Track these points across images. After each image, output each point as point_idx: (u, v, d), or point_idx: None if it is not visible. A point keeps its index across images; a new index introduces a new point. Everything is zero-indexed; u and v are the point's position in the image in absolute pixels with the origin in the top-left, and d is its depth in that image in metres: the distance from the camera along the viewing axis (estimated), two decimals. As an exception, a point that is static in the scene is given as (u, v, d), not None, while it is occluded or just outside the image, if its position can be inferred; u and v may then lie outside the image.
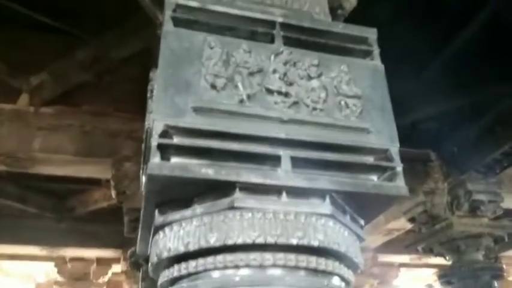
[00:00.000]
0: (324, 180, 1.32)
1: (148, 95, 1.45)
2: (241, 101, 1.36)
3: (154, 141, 1.23)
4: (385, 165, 1.43)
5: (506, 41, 5.00)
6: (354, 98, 1.49)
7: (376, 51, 1.63)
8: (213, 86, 1.36)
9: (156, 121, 1.26)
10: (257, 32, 1.52)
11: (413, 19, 5.53)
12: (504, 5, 4.92)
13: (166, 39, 1.40)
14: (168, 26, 1.43)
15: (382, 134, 1.46)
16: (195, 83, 1.35)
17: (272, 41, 1.52)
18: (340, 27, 1.64)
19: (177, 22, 1.45)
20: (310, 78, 1.48)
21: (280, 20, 1.55)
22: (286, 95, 1.42)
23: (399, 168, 1.41)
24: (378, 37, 1.63)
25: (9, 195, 7.62)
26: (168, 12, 1.45)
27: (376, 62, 1.61)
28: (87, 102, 5.54)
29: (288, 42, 1.54)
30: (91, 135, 5.44)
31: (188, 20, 1.47)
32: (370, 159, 1.45)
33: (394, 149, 1.45)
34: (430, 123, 6.53)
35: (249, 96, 1.38)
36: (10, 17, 4.91)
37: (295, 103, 1.42)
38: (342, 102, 1.47)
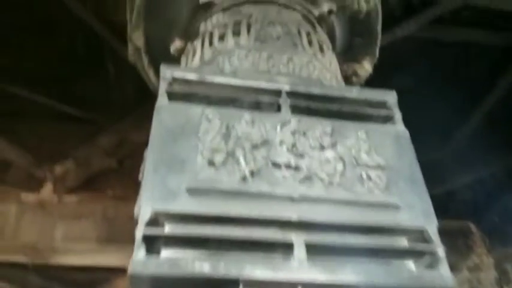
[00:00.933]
0: (348, 272, 1.07)
1: (140, 177, 1.28)
2: (244, 178, 1.18)
3: (140, 231, 1.03)
4: (422, 248, 1.18)
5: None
6: (377, 169, 1.28)
7: (398, 115, 1.45)
8: (211, 163, 1.18)
9: (143, 207, 1.08)
10: (262, 102, 1.37)
11: (435, 86, 5.41)
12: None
13: (159, 114, 1.26)
14: (162, 101, 1.30)
15: (415, 210, 1.23)
16: (191, 161, 1.18)
17: (278, 110, 1.37)
18: (354, 92, 1.48)
19: (173, 96, 1.32)
20: (323, 148, 1.29)
21: (286, 88, 1.41)
22: (296, 168, 1.23)
23: (440, 251, 1.16)
24: (400, 106, 1.46)
25: (32, 286, 7.40)
26: (163, 87, 1.33)
27: (399, 127, 1.42)
28: (110, 187, 5.48)
29: (297, 110, 1.38)
30: (113, 220, 5.31)
31: (185, 94, 1.34)
32: (402, 242, 1.20)
33: (432, 227, 1.20)
34: (466, 193, 6.15)
35: (252, 173, 1.19)
36: (34, 108, 5.04)
37: (307, 178, 1.22)
38: (363, 174, 1.27)
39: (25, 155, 5.34)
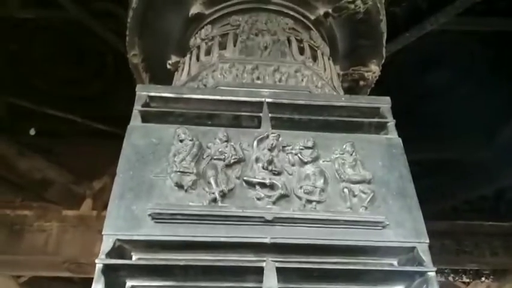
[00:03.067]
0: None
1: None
2: (214, 200, 1.11)
3: (100, 263, 0.99)
4: (413, 269, 1.06)
5: None
6: (362, 183, 1.18)
7: (391, 123, 1.34)
8: (180, 186, 1.13)
9: (105, 236, 1.04)
10: (241, 116, 1.30)
11: (476, 81, 5.13)
12: None
13: (130, 136, 1.23)
14: (134, 122, 1.27)
15: (404, 227, 1.12)
16: (159, 184, 1.14)
17: (259, 124, 1.30)
18: (343, 100, 1.38)
19: (147, 116, 1.28)
20: (303, 163, 1.20)
21: (268, 99, 1.33)
22: (272, 187, 1.15)
23: (431, 272, 1.04)
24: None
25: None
26: (137, 107, 1.29)
27: (391, 136, 1.31)
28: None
29: (278, 124, 1.30)
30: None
31: (160, 113, 1.30)
32: (391, 263, 1.09)
33: (422, 246, 1.09)
34: (515, 192, 5.76)
35: (223, 194, 1.13)
36: (70, 128, 5.22)
37: (283, 196, 1.14)
38: (346, 190, 1.17)
39: (64, 173, 5.54)
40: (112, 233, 1.05)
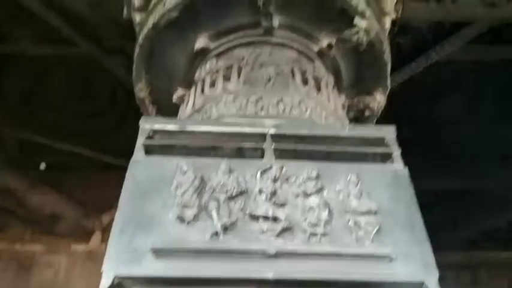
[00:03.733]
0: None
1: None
2: (216, 234, 1.09)
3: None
4: (422, 305, 1.02)
5: None
6: (368, 215, 1.16)
7: (397, 152, 1.32)
8: (181, 219, 1.11)
9: (105, 272, 1.02)
10: (244, 148, 1.29)
11: (487, 108, 5.10)
12: None
13: (133, 169, 1.22)
14: (137, 155, 1.26)
15: (412, 260, 1.08)
16: (162, 218, 1.12)
17: (262, 155, 1.28)
18: (347, 130, 1.37)
19: (150, 149, 1.28)
20: (307, 195, 1.18)
21: (272, 131, 1.33)
22: (275, 219, 1.13)
23: (442, 308, 1.00)
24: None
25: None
26: (140, 140, 1.30)
27: (397, 166, 1.29)
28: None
29: (282, 155, 1.28)
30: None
31: (164, 146, 1.30)
32: (399, 298, 1.05)
33: (432, 280, 1.05)
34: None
35: (226, 227, 1.11)
36: (79, 161, 5.26)
37: (287, 229, 1.12)
38: (352, 222, 1.14)
39: (74, 206, 5.54)
40: (112, 269, 1.03)
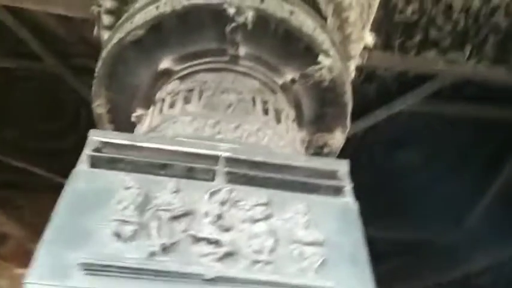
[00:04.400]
0: None
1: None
2: (152, 254, 1.04)
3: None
4: None
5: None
6: (314, 246, 1.13)
7: (348, 187, 1.31)
8: (118, 236, 1.05)
9: (28, 286, 0.94)
10: (196, 168, 1.26)
11: (446, 164, 5.25)
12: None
13: (73, 180, 1.16)
14: (81, 166, 1.21)
15: (354, 295, 1.05)
16: (97, 232, 1.06)
17: (213, 178, 1.25)
18: (301, 160, 1.36)
19: (96, 161, 1.23)
20: (254, 221, 1.15)
21: (225, 154, 1.30)
22: (218, 243, 1.08)
23: None
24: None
25: None
26: (87, 151, 1.24)
27: (347, 200, 1.28)
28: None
29: (233, 179, 1.26)
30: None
31: (110, 159, 1.25)
32: (338, 334, 1.01)
33: (373, 316, 1.02)
34: (485, 276, 5.69)
35: (165, 248, 1.05)
36: (33, 181, 5.05)
37: (229, 254, 1.07)
38: (296, 252, 1.11)
39: (22, 228, 5.27)
40: (34, 281, 0.95)
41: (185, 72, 1.79)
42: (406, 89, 4.40)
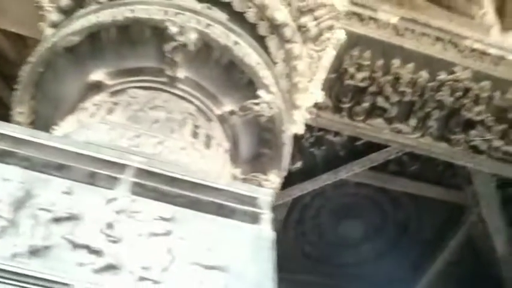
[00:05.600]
0: None
1: None
2: (15, 256, 0.86)
3: None
4: None
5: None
6: (215, 270, 0.99)
7: (267, 215, 1.20)
8: (-20, 230, 0.88)
9: None
10: (98, 174, 1.12)
11: (387, 241, 5.23)
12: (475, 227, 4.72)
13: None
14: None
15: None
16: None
17: (115, 186, 1.11)
18: (221, 183, 1.24)
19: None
20: (150, 235, 1.00)
21: (135, 164, 1.17)
22: (99, 253, 0.92)
23: None
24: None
25: None
26: (-26, 139, 1.08)
27: (263, 228, 1.16)
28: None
29: (139, 191, 1.12)
30: None
31: (2, 151, 1.09)
32: None
33: None
34: None
35: (34, 250, 0.88)
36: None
37: (111, 267, 0.91)
38: (192, 275, 0.96)
39: None
40: None
41: (117, 87, 1.69)
42: (353, 158, 4.44)
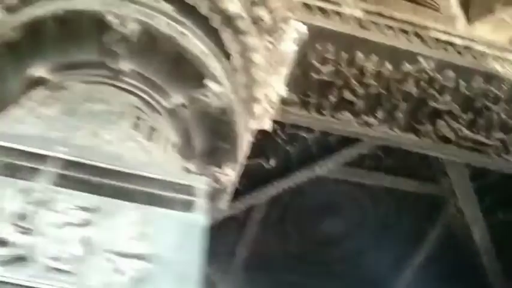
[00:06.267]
0: None
1: None
2: None
3: None
4: None
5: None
6: (137, 259, 0.95)
7: (200, 203, 1.16)
8: None
9: None
10: (16, 165, 1.07)
11: (368, 236, 5.21)
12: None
13: None
14: None
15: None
16: None
17: (34, 177, 1.06)
18: (151, 171, 1.20)
19: None
20: (66, 225, 0.96)
21: (59, 155, 1.13)
22: (8, 244, 0.88)
23: None
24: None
25: None
26: None
27: (195, 216, 1.12)
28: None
29: (61, 181, 1.07)
30: None
31: None
32: None
33: None
34: None
35: None
36: None
37: (20, 259, 0.87)
38: (110, 264, 0.92)
39: None
40: None
41: (59, 83, 1.64)
42: (327, 154, 4.42)
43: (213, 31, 1.98)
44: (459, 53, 3.19)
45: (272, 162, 4.48)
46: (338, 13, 3.08)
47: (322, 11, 3.03)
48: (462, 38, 3.21)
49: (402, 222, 5.14)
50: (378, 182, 4.88)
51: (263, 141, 4.31)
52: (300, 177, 4.52)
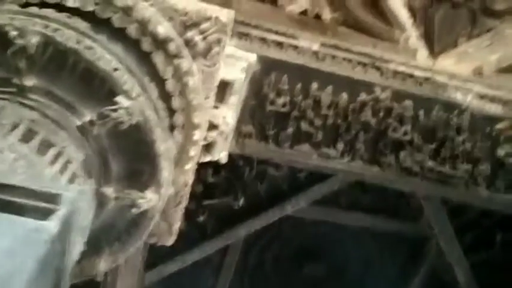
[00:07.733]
0: None
1: None
2: None
3: None
4: None
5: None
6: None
7: (62, 211, 1.05)
8: None
9: None
10: None
11: (351, 279, 5.02)
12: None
13: None
14: None
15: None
16: None
17: None
18: (21, 179, 1.11)
19: None
20: None
21: None
22: None
23: None
24: None
25: None
26: None
27: (45, 224, 1.01)
28: None
29: None
30: None
31: None
32: None
33: None
34: None
35: None
36: None
37: None
38: None
39: None
40: None
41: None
42: (298, 191, 4.31)
43: (145, 55, 1.95)
44: (420, 84, 3.15)
45: (241, 202, 4.36)
46: (294, 47, 3.06)
47: (279, 45, 3.02)
48: (423, 69, 3.18)
49: (386, 265, 4.96)
50: (357, 222, 4.74)
51: (231, 179, 4.21)
52: (270, 217, 4.39)
